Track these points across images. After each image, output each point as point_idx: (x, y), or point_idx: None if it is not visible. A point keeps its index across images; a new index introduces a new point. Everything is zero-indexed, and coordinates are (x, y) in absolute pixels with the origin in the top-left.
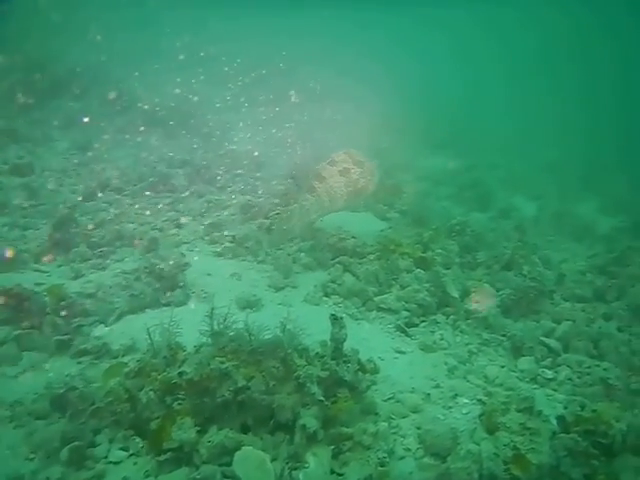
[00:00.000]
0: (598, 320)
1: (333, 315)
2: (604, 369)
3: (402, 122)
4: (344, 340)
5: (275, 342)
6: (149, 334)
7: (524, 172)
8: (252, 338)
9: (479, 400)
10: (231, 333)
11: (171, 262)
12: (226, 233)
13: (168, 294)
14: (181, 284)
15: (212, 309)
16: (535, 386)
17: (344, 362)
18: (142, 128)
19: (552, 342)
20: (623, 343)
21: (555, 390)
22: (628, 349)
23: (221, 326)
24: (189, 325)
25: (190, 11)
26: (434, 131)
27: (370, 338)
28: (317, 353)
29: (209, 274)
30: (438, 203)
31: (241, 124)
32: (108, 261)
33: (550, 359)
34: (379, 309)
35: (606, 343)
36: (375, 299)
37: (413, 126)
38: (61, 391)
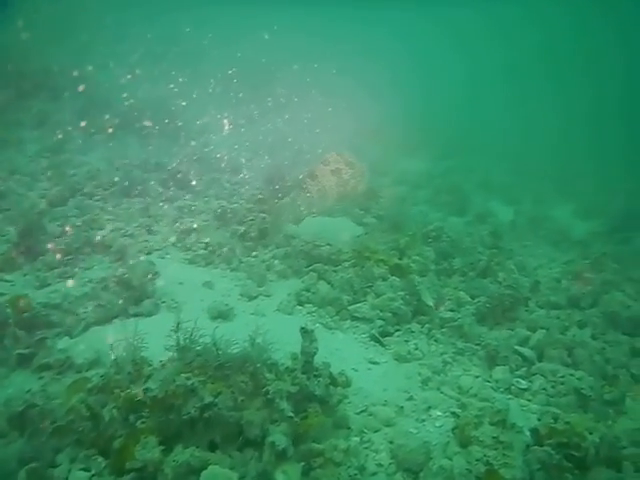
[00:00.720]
0: (573, 328)
1: (303, 328)
2: (578, 378)
3: (388, 123)
4: (315, 353)
5: (244, 356)
6: (112, 349)
7: (501, 176)
8: (220, 352)
9: (453, 413)
10: (198, 347)
11: (141, 271)
12: (199, 240)
13: (137, 304)
14: (151, 294)
15: (178, 323)
16: (509, 396)
17: (315, 376)
18: (117, 130)
19: (526, 351)
20: (597, 351)
21: (529, 400)
22: (602, 358)
23: (188, 340)
24: (157, 337)
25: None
26: (418, 133)
27: (343, 348)
28: (287, 367)
29: (180, 282)
30: (415, 207)
31: (221, 125)
32: (76, 269)
33: (524, 368)
34: (353, 318)
35: (580, 351)
36: (349, 308)
37: (397, 128)
38: (20, 409)
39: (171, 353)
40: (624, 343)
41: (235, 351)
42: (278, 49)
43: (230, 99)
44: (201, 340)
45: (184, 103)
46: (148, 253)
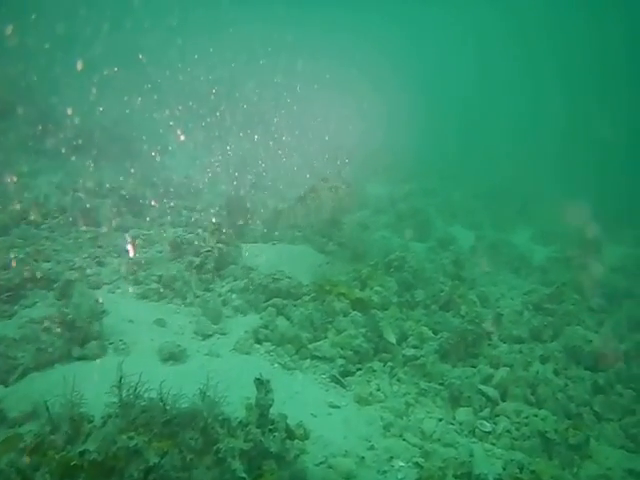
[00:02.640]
0: (535, 363)
1: (258, 379)
2: (542, 419)
3: (356, 145)
4: (270, 405)
5: (193, 411)
6: (47, 408)
7: (462, 200)
8: (167, 407)
9: (416, 463)
10: (143, 403)
11: (86, 309)
12: (152, 272)
13: (82, 346)
14: (97, 334)
15: (121, 377)
16: (473, 440)
17: (270, 430)
18: (70, 152)
19: (490, 390)
20: (560, 389)
21: (494, 444)
22: (565, 395)
23: (131, 396)
24: (101, 385)
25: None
26: (383, 156)
27: (303, 391)
28: (240, 421)
29: (130, 320)
30: (377, 232)
31: (180, 146)
32: (16, 307)
33: (488, 409)
34: (313, 357)
35: (543, 389)
36: (309, 346)
37: (364, 150)
38: None
39: (113, 409)
40: (586, 379)
41: (184, 405)
42: (237, 67)
43: (190, 119)
44: (147, 394)
45: (142, 123)
46: (96, 287)
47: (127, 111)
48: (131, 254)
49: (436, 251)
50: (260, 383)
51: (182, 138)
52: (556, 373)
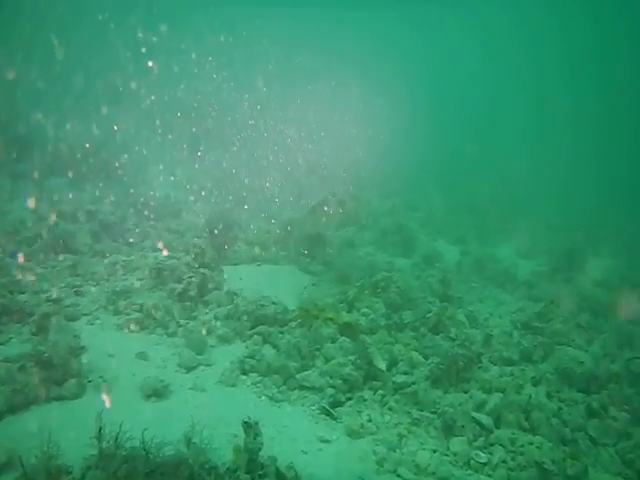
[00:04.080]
0: (527, 386)
1: (246, 422)
2: (538, 447)
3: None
4: (259, 449)
5: (178, 459)
6: (21, 462)
7: (445, 214)
8: (150, 456)
9: None
10: (124, 452)
11: (64, 345)
12: (133, 301)
13: (59, 385)
14: (75, 372)
15: (100, 429)
16: (469, 472)
17: (260, 477)
18: (45, 173)
19: (483, 418)
20: (554, 413)
21: (490, 476)
22: (559, 420)
23: (112, 446)
24: (80, 429)
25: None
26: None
27: (292, 425)
28: (228, 468)
29: (111, 354)
30: (362, 249)
31: (160, 165)
32: None
33: (482, 438)
34: (302, 387)
35: (537, 414)
36: (297, 376)
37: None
38: None
39: (93, 461)
40: (580, 402)
41: (168, 453)
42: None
43: (171, 136)
44: (128, 443)
45: (120, 143)
46: (75, 319)
47: (106, 130)
48: (110, 282)
49: (421, 268)
50: (248, 426)
51: (169, 153)
52: (549, 396)
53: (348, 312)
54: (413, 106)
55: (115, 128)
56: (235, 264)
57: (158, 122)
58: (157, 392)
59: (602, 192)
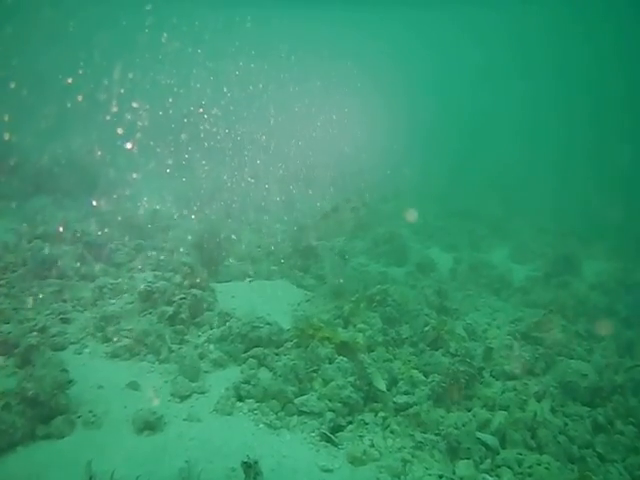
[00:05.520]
0: (531, 401)
1: (245, 462)
2: (546, 467)
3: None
4: None
5: None
6: None
7: (437, 220)
8: None
9: None
10: None
11: (50, 380)
12: (122, 327)
13: (47, 423)
14: (63, 408)
15: (90, 478)
16: None
17: None
18: (30, 192)
19: (489, 438)
20: (560, 430)
21: None
22: (566, 437)
23: None
24: (69, 472)
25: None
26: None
27: (291, 455)
28: None
29: (100, 386)
30: (355, 259)
31: (147, 180)
32: None
33: (489, 460)
34: (300, 413)
35: (543, 432)
36: (295, 401)
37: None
38: None
39: None
40: (585, 417)
41: None
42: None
43: (156, 147)
44: None
45: (106, 157)
46: (62, 349)
47: (90, 145)
48: (98, 307)
49: (415, 276)
50: (248, 466)
51: (156, 167)
52: (553, 411)
53: (344, 328)
54: (412, 107)
55: (101, 143)
56: (227, 281)
57: (149, 135)
58: (150, 425)
59: (594, 194)
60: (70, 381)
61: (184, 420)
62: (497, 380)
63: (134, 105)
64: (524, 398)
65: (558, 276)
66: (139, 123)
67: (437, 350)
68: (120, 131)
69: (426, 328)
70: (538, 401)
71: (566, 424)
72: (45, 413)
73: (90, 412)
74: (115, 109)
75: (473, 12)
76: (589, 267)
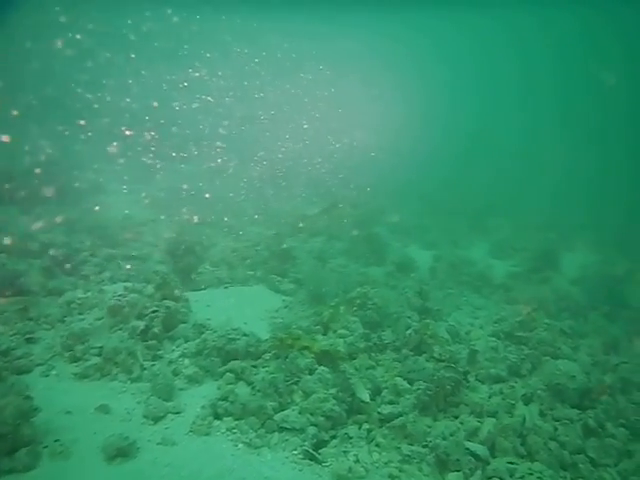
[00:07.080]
0: (519, 405)
1: None
2: (538, 477)
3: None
4: None
5: None
6: None
7: (415, 217)
8: None
9: None
10: None
11: (13, 411)
12: (91, 345)
13: (10, 456)
14: (28, 439)
15: None
16: None
17: None
18: None
19: (478, 448)
20: (550, 436)
21: None
22: (557, 443)
23: None
24: None
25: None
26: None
27: (274, 476)
28: None
29: (68, 412)
30: (334, 260)
31: (118, 182)
32: None
33: (479, 471)
34: (281, 429)
35: (533, 438)
36: (275, 417)
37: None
38: None
39: None
40: (575, 420)
41: None
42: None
43: (126, 149)
44: None
45: (76, 162)
46: (27, 371)
47: (59, 149)
48: (67, 324)
49: (395, 276)
50: None
51: (128, 168)
52: (542, 414)
53: (324, 335)
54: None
55: (71, 147)
56: (201, 289)
57: (120, 138)
58: (122, 451)
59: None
60: (35, 408)
61: (158, 444)
62: (483, 384)
63: (102, 109)
64: (512, 402)
65: (539, 272)
66: (110, 128)
67: (421, 355)
68: (89, 135)
69: (408, 332)
70: (526, 405)
71: (556, 429)
72: (8, 446)
73: (57, 441)
74: (83, 114)
75: (472, 14)
76: (569, 261)
